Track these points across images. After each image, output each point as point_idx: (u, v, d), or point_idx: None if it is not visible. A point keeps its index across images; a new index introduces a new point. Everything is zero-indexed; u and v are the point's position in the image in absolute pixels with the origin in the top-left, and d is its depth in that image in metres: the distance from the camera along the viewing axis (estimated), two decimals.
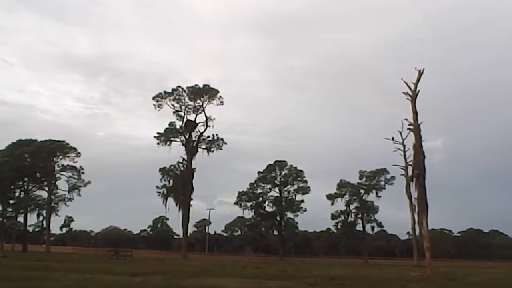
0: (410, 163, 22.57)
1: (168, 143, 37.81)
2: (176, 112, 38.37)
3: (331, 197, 48.12)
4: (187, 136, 37.92)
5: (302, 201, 47.61)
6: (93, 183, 42.73)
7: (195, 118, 38.40)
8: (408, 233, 51.45)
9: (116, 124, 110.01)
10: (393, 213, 53.94)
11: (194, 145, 37.93)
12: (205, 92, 37.84)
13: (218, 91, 38.10)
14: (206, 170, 51.26)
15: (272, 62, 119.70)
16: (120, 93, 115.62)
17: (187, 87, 38.08)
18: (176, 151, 37.96)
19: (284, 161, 48.72)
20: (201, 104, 38.17)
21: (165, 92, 37.76)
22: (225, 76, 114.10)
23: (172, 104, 38.01)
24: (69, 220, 65.44)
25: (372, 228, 47.62)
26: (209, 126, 38.25)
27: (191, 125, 38.04)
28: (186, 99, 38.01)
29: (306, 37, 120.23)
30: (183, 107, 38.18)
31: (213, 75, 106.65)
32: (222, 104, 38.22)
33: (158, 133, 38.25)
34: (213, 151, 38.71)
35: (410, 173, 22.39)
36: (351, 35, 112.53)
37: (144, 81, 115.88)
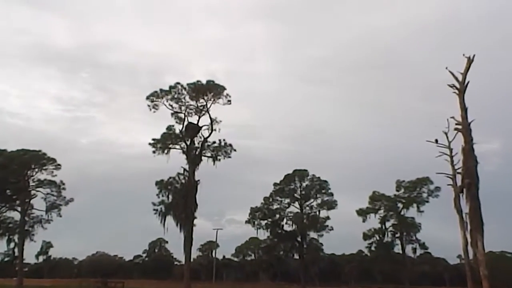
0: (459, 170, 22.20)
1: (166, 151, 38.11)
2: (175, 113, 38.70)
3: (362, 213, 48.09)
4: (188, 142, 38.23)
5: (328, 217, 47.78)
6: (76, 200, 42.99)
7: (198, 121, 38.75)
8: (459, 256, 51.95)
9: (103, 129, 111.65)
10: (440, 232, 52.97)
11: (197, 152, 38.19)
12: (209, 90, 38.13)
13: (224, 88, 38.46)
14: (212, 182, 52.61)
15: (287, 52, 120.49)
16: (107, 92, 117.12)
17: (188, 84, 38.44)
18: (175, 160, 38.28)
19: (305, 170, 48.94)
20: (204, 103, 38.51)
21: (161, 90, 38.06)
22: (233, 70, 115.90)
23: (170, 104, 38.35)
24: (46, 246, 64.81)
25: (414, 250, 47.56)
26: (215, 129, 38.56)
27: (193, 129, 38.31)
28: (187, 98, 38.39)
29: (327, 22, 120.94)
30: (183, 108, 38.55)
31: (219, 69, 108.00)
32: (230, 104, 38.59)
33: (153, 139, 38.54)
34: (219, 160, 38.95)
35: (459, 182, 21.95)
36: (382, 17, 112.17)
37: (136, 77, 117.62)
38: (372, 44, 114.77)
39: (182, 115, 38.76)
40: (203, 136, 38.60)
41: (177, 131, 38.64)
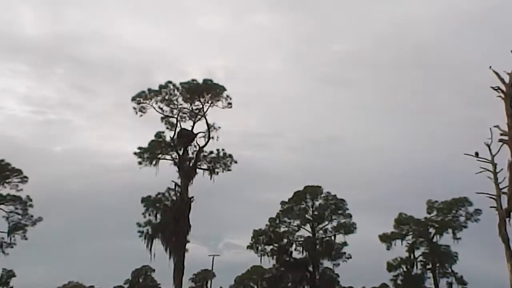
0: (505, 189, 21.64)
1: (154, 161, 38.20)
2: (165, 118, 38.84)
3: (386, 239, 47.67)
4: (181, 152, 38.27)
5: (345, 243, 47.51)
6: (45, 220, 41.84)
7: (193, 127, 38.81)
8: None
9: (80, 135, 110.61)
10: (481, 264, 51.41)
11: (191, 164, 38.22)
12: (207, 90, 38.28)
13: (224, 89, 38.61)
14: (208, 199, 51.30)
15: (302, 47, 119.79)
16: (87, 92, 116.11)
17: (181, 83, 38.53)
18: (165, 173, 38.21)
19: (319, 187, 48.91)
20: (200, 106, 38.62)
21: (150, 90, 38.15)
22: (236, 68, 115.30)
23: (160, 107, 38.46)
24: (8, 275, 62.78)
25: (450, 285, 46.74)
26: (212, 137, 38.66)
27: (186, 137, 38.36)
28: (180, 99, 38.54)
29: (352, 11, 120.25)
30: (175, 111, 38.69)
31: (219, 67, 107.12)
32: (231, 107, 38.78)
33: (140, 148, 38.52)
34: (217, 173, 39.03)
35: (505, 204, 21.38)
36: (419, 8, 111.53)
37: (120, 74, 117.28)
38: (405, 37, 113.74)
39: (174, 120, 38.81)
40: (199, 145, 38.60)
41: (168, 139, 38.70)
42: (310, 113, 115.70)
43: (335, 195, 48.55)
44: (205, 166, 38.98)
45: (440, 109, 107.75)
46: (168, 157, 38.55)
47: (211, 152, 39.15)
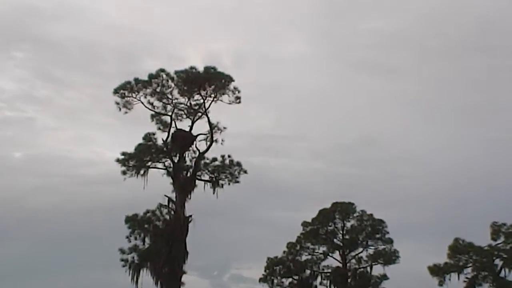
0: None
1: (142, 171, 38.28)
2: (157, 116, 39.08)
3: (439, 271, 46.80)
4: (176, 159, 38.38)
5: (385, 276, 47.42)
6: (3, 247, 44.36)
7: (191, 127, 38.86)
8: None
9: (46, 137, 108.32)
10: None
11: (189, 174, 38.36)
12: (209, 81, 38.32)
13: (231, 79, 38.58)
14: (210, 219, 50.21)
15: (330, 25, 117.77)
16: (55, 82, 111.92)
17: (177, 72, 38.51)
18: (156, 185, 38.32)
19: (351, 204, 48.91)
20: (201, 101, 38.75)
21: (137, 80, 38.14)
22: (246, 53, 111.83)
23: (149, 102, 38.57)
24: None
25: None
26: (216, 141, 38.75)
27: (183, 140, 38.49)
28: (175, 92, 38.67)
29: None
30: (169, 108, 38.84)
31: (224, 51, 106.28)
32: (239, 102, 38.88)
33: (124, 153, 38.52)
34: (222, 186, 39.04)
35: None
36: None
37: (98, 60, 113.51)
38: (465, 14, 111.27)
39: (167, 119, 38.94)
40: (199, 150, 38.61)
41: (160, 142, 38.70)
42: (339, 110, 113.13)
43: (371, 215, 48.46)
44: (206, 177, 38.91)
45: (505, 103, 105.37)
46: (160, 165, 38.57)
47: (214, 159, 39.09)
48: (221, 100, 38.64)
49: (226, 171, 39.09)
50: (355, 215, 48.86)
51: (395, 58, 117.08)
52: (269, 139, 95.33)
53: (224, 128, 38.96)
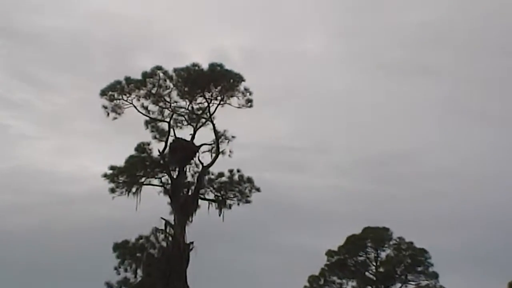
0: None
1: (134, 188, 38.70)
2: (152, 122, 39.53)
3: None
4: (175, 174, 38.78)
5: None
6: None
7: (193, 136, 39.34)
8: None
9: (23, 148, 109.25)
10: None
11: (190, 193, 38.73)
12: (215, 80, 38.69)
13: (242, 78, 38.92)
14: (215, 246, 50.84)
15: (354, 18, 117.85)
16: (35, 83, 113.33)
17: (176, 70, 38.89)
18: (151, 206, 38.97)
19: (386, 230, 49.66)
20: (205, 105, 39.21)
21: (129, 80, 38.50)
22: (258, 48, 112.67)
23: (144, 106, 39.08)
24: None
25: None
26: (223, 152, 39.20)
27: (184, 151, 38.86)
28: (174, 94, 39.08)
29: None
30: (167, 112, 39.36)
31: (232, 47, 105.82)
32: (251, 106, 39.31)
33: (113, 167, 38.91)
34: (230, 207, 39.51)
35: None
36: None
37: (85, 56, 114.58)
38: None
39: (165, 126, 39.39)
40: (202, 163, 38.96)
41: (156, 154, 39.11)
42: (367, 118, 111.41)
43: (411, 243, 48.72)
44: (211, 196, 39.26)
45: None
46: (155, 181, 39.01)
47: (221, 175, 39.51)
48: (229, 104, 38.89)
49: (234, 188, 39.37)
50: (391, 243, 49.20)
51: (429, 57, 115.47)
52: (286, 151, 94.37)
53: (233, 137, 39.41)
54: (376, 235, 49.37)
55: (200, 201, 38.82)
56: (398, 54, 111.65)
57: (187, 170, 39.14)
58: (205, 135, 39.30)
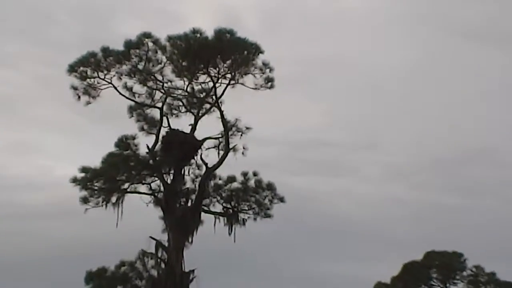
0: None
1: (114, 198, 35.78)
2: (137, 109, 37.10)
3: None
4: (169, 179, 36.14)
5: None
6: None
7: (194, 127, 36.69)
8: None
9: None
10: None
11: (189, 203, 36.17)
12: (223, 52, 35.66)
13: (259, 49, 35.68)
14: (222, 276, 47.97)
15: None
16: None
17: (172, 38, 35.88)
18: (136, 221, 37.88)
19: (456, 255, 47.55)
20: (210, 85, 36.52)
21: (106, 51, 35.71)
22: (280, 9, 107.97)
23: (127, 87, 36.19)
24: None
25: None
26: (234, 149, 36.47)
27: (181, 147, 35.79)
28: (168, 71, 36.26)
29: None
30: (158, 96, 36.63)
31: (246, 6, 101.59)
32: (272, 87, 36.24)
33: (85, 169, 36.02)
34: (244, 222, 36.76)
35: None
36: None
37: (46, 18, 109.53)
38: None
39: (155, 113, 36.99)
40: (206, 164, 36.15)
41: (143, 151, 36.36)
42: (431, 104, 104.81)
43: (493, 274, 47.16)
44: (218, 208, 36.58)
45: None
46: (142, 188, 36.22)
47: (232, 180, 36.61)
48: (243, 84, 35.69)
49: (250, 198, 36.76)
50: (464, 273, 47.90)
51: None
52: (319, 147, 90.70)
53: (247, 129, 36.37)
54: (444, 263, 47.75)
55: (203, 215, 36.28)
56: (478, 18, 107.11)
57: (186, 173, 36.37)
58: (210, 126, 36.45)
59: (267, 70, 35.54)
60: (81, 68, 35.52)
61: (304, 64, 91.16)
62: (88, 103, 36.02)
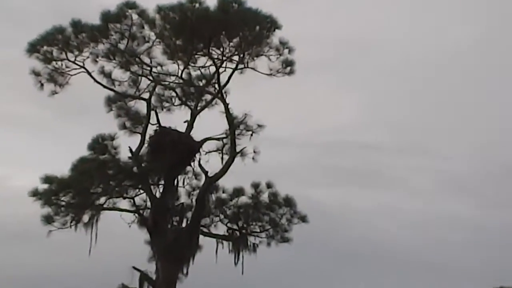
0: None
1: (87, 216, 32.05)
2: (117, 100, 33.91)
3: None
4: (158, 192, 32.79)
5: None
6: None
7: (190, 125, 33.40)
8: None
9: None
10: None
11: (183, 223, 33.13)
12: (229, 29, 32.40)
13: (275, 24, 32.25)
14: None
15: None
16: None
17: (161, 9, 32.14)
18: (115, 246, 35.75)
19: None
20: (212, 71, 33.35)
21: (77, 26, 32.21)
22: None
23: (103, 72, 32.71)
24: None
25: None
26: (242, 153, 33.01)
27: (174, 151, 32.15)
28: (157, 52, 32.78)
29: None
30: (144, 84, 33.24)
31: None
32: (291, 73, 32.78)
33: (48, 178, 32.34)
34: (255, 248, 33.73)
35: None
36: None
37: None
38: None
39: (140, 105, 33.77)
40: (206, 171, 32.70)
41: (125, 156, 32.66)
42: (501, 96, 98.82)
43: None
44: (221, 230, 33.57)
45: None
46: (124, 203, 32.54)
47: (238, 193, 33.58)
48: (254, 69, 31.74)
49: (262, 217, 33.80)
50: None
51: None
52: (352, 151, 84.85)
53: (259, 126, 32.64)
54: None
55: (202, 239, 32.96)
56: None
57: (180, 183, 33.08)
58: (211, 123, 33.27)
59: (286, 51, 31.38)
60: (45, 48, 31.53)
61: (334, 44, 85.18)
62: (54, 93, 31.78)
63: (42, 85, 31.79)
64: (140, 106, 32.91)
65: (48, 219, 31.06)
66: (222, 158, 32.30)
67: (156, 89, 32.86)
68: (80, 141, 33.51)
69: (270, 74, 31.40)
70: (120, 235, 33.33)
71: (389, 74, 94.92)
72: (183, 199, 32.72)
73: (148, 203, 31.68)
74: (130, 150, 31.47)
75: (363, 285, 71.98)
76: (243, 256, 32.27)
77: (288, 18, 33.49)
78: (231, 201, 33.23)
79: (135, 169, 31.69)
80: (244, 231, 32.91)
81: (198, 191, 32.39)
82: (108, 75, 31.76)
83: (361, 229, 75.02)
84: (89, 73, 31.31)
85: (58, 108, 35.40)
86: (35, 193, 31.24)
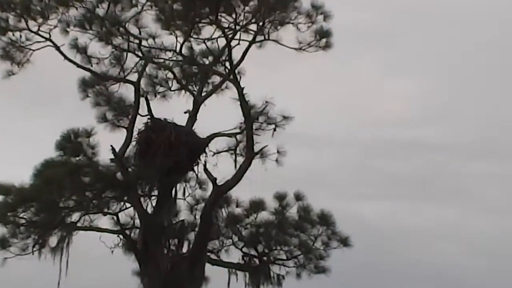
0: None
1: (55, 238, 28.92)
2: (96, 84, 29.93)
3: None
4: (150, 206, 29.03)
5: None
6: None
7: (193, 116, 29.75)
8: None
9: None
10: None
11: (184, 247, 29.75)
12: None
13: None
14: None
15: None
16: None
17: None
18: (95, 276, 32.97)
19: None
20: (222, 45, 29.69)
21: None
22: None
23: (77, 46, 28.61)
24: None
25: None
26: (261, 154, 29.22)
27: (171, 150, 28.59)
28: (147, 20, 29.05)
29: None
30: (131, 62, 29.37)
31: None
32: (326, 48, 28.98)
33: (2, 187, 28.74)
34: (280, 280, 30.85)
35: None
36: None
37: None
38: None
39: (127, 91, 29.71)
40: (213, 179, 28.78)
41: (106, 158, 28.95)
42: None
43: None
44: (236, 256, 30.13)
45: None
46: (104, 221, 28.88)
47: (257, 207, 29.66)
48: (277, 41, 27.64)
49: (290, 239, 30.41)
50: None
51: None
52: (407, 152, 79.07)
53: (285, 119, 28.20)
54: None
55: (209, 268, 29.02)
56: None
57: (179, 195, 28.89)
58: (220, 114, 29.84)
59: (320, 18, 26.83)
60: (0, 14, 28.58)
61: (384, 12, 78.62)
62: (11, 73, 27.48)
63: (15, 65, 28.23)
64: (126, 92, 27.99)
65: (2, 243, 27.36)
66: (235, 161, 28.15)
67: (147, 69, 28.19)
68: (46, 138, 30.87)
69: (299, 49, 26.90)
70: (100, 263, 30.58)
71: (459, 52, 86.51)
72: (184, 215, 28.45)
73: (137, 221, 27.70)
74: (113, 150, 26.95)
75: None
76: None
77: None
78: (248, 218, 29.10)
79: (119, 175, 27.60)
80: (265, 258, 28.79)
81: (203, 204, 28.46)
82: (82, 50, 27.21)
83: (418, 251, 68.93)
84: (58, 48, 26.70)
85: (15, 94, 32.30)
86: None
